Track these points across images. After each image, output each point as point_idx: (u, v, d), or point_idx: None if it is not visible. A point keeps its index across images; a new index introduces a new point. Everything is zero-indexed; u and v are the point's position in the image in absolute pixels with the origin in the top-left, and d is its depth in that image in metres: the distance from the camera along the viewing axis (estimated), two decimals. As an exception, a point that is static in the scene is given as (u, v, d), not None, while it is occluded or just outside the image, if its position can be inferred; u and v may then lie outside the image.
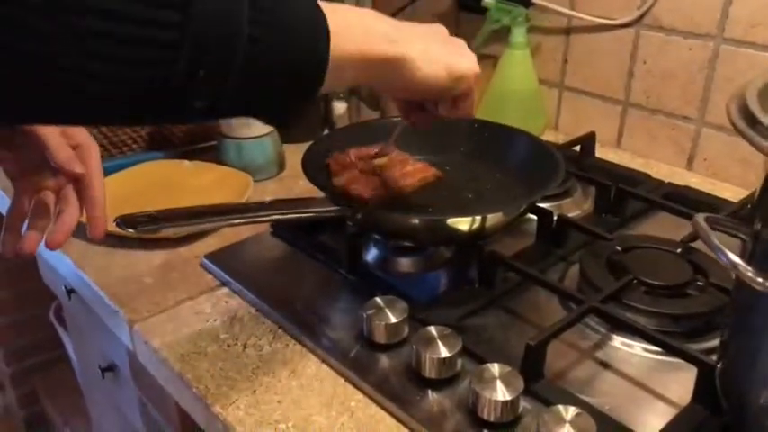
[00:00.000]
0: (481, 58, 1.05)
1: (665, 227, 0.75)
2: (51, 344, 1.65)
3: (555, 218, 0.71)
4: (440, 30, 0.56)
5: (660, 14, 0.88)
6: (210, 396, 0.54)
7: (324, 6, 0.43)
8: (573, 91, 1.02)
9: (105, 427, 1.18)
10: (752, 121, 0.35)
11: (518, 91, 1.01)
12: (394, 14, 1.18)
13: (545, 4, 0.99)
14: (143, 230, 0.51)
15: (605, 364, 0.57)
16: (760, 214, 0.37)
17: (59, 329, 1.52)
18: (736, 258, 0.35)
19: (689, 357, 0.51)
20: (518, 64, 0.99)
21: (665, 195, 0.80)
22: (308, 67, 0.41)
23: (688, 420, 0.49)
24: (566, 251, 0.70)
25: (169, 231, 0.53)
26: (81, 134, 0.58)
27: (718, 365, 0.46)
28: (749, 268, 0.34)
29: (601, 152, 0.96)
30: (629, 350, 0.58)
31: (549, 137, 1.03)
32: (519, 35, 0.97)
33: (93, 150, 0.58)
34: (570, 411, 0.46)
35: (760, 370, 0.40)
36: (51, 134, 0.55)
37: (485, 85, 1.03)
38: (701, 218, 0.37)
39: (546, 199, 0.78)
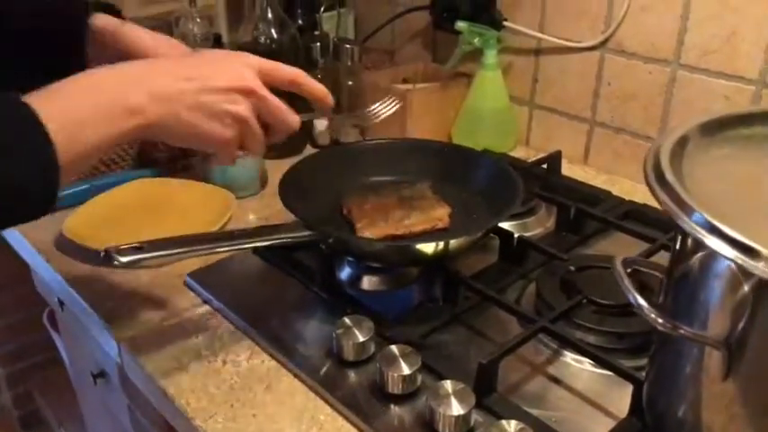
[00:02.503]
0: (456, 76, 1.10)
1: (622, 245, 0.79)
2: (46, 345, 1.69)
3: (516, 238, 0.76)
4: (208, 72, 0.56)
5: (623, 39, 0.93)
6: (191, 410, 0.59)
7: (46, 101, 0.46)
8: (543, 109, 1.07)
9: (99, 429, 1.23)
10: (661, 180, 0.40)
11: (490, 109, 1.05)
12: (374, 33, 1.22)
13: (516, 26, 1.03)
14: (129, 263, 0.55)
15: (556, 380, 0.62)
16: (672, 257, 0.42)
17: (52, 333, 1.57)
18: (642, 301, 0.40)
19: (623, 373, 0.56)
20: (490, 83, 1.04)
21: (625, 214, 0.85)
22: (35, 192, 0.46)
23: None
24: (525, 269, 0.75)
25: (154, 262, 0.57)
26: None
27: (645, 381, 0.51)
28: (653, 310, 0.39)
29: (569, 168, 1.01)
30: (579, 366, 0.63)
31: (520, 152, 1.08)
32: (491, 57, 1.02)
33: None
34: (513, 425, 0.51)
35: (677, 386, 0.45)
36: None
37: (459, 102, 1.08)
38: (618, 261, 0.42)
39: (512, 217, 0.83)
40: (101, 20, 0.66)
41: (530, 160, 0.99)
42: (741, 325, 0.38)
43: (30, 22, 0.64)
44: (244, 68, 0.58)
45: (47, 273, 0.80)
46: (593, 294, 0.67)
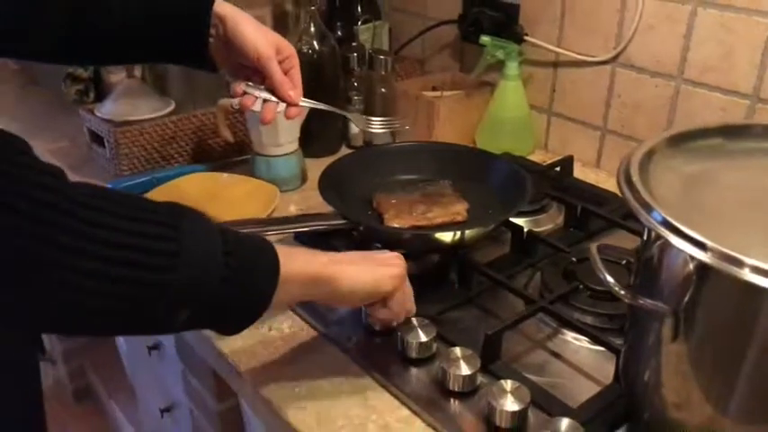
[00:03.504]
0: (480, 85, 1.20)
1: (622, 241, 0.89)
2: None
3: (525, 232, 0.86)
4: (374, 256, 0.68)
5: (632, 55, 1.02)
6: (242, 366, 0.70)
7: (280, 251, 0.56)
8: (559, 116, 1.16)
9: (148, 399, 1.36)
10: (629, 183, 0.50)
11: (511, 116, 1.15)
12: (406, 44, 1.33)
13: (536, 41, 1.13)
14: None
15: (555, 354, 0.72)
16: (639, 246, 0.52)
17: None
18: (609, 277, 0.49)
19: (608, 346, 0.66)
20: (511, 92, 1.14)
21: (628, 213, 0.94)
22: (261, 300, 0.56)
23: (605, 395, 0.63)
24: (533, 260, 0.85)
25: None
26: (288, 48, 0.77)
27: (621, 352, 0.61)
28: (616, 284, 0.49)
29: (582, 171, 1.10)
30: (576, 343, 0.73)
31: (538, 156, 1.17)
32: (512, 68, 1.12)
33: (295, 59, 0.77)
34: (510, 384, 0.61)
35: (643, 354, 0.55)
36: (271, 60, 0.74)
37: (483, 109, 1.18)
38: (593, 247, 0.52)
39: (525, 214, 0.93)
40: (220, 7, 0.74)
41: (545, 163, 1.08)
42: (686, 298, 0.48)
43: (164, 7, 0.75)
44: (397, 257, 0.68)
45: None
46: (589, 282, 0.76)
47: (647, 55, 1.00)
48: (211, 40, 0.75)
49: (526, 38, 1.14)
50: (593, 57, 1.07)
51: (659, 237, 0.48)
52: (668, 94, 0.99)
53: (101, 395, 1.86)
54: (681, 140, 0.56)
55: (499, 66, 1.14)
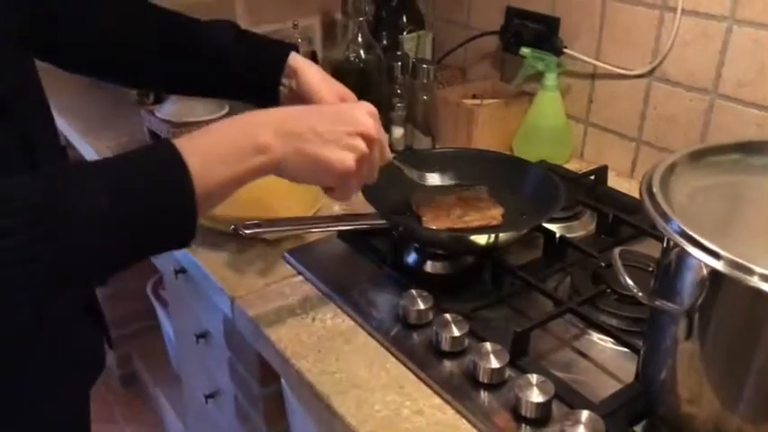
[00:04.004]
0: (520, 94, 1.24)
1: (651, 249, 0.92)
2: (145, 315, 1.93)
3: (557, 237, 0.90)
4: (332, 117, 0.65)
5: (667, 69, 1.05)
6: (288, 352, 0.76)
7: (188, 140, 0.55)
8: (596, 127, 1.20)
9: (193, 385, 1.43)
10: (651, 195, 0.54)
11: (549, 125, 1.19)
12: (449, 53, 1.38)
13: (574, 54, 1.17)
14: (251, 233, 0.73)
15: (581, 353, 0.76)
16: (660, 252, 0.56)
17: (155, 303, 1.80)
18: (629, 280, 0.54)
19: (630, 346, 0.70)
20: (550, 102, 1.18)
21: (658, 222, 0.97)
22: (177, 221, 0.55)
23: (625, 392, 0.67)
24: (564, 264, 0.89)
25: (269, 236, 0.75)
26: (350, 97, 0.81)
27: (640, 352, 0.65)
28: (635, 286, 0.53)
29: (616, 180, 1.13)
30: (602, 343, 0.77)
31: (574, 164, 1.21)
32: (551, 79, 1.16)
33: None
34: (536, 378, 0.66)
35: (659, 353, 0.59)
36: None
37: (521, 117, 1.22)
38: (616, 251, 0.56)
39: (559, 221, 0.98)
40: (294, 60, 0.82)
41: (580, 172, 1.12)
42: (699, 301, 0.52)
43: (246, 57, 0.83)
44: (367, 117, 0.67)
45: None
46: (616, 286, 0.80)
47: (683, 70, 1.03)
48: (283, 88, 0.83)
49: (565, 50, 1.18)
50: (629, 70, 1.11)
51: (676, 245, 0.52)
52: (702, 108, 1.02)
53: (147, 382, 1.95)
54: (701, 156, 0.60)
55: (538, 76, 1.18)
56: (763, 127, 0.96)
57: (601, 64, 1.14)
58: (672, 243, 0.53)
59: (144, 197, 0.53)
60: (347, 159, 0.64)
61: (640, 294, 0.54)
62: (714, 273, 0.50)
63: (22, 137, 0.67)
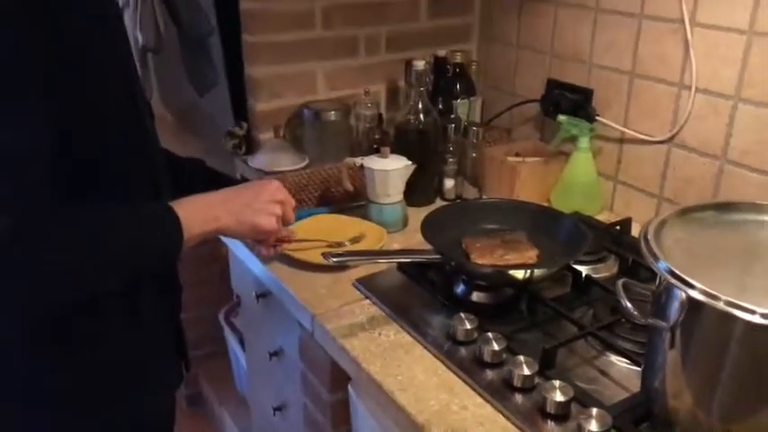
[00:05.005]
0: (557, 154, 1.43)
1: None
2: (213, 341, 2.13)
3: (584, 276, 1.07)
4: (256, 194, 0.95)
5: (684, 137, 1.23)
6: (360, 358, 0.95)
7: (179, 208, 0.82)
8: (624, 184, 1.37)
9: (261, 400, 1.62)
10: (646, 241, 0.72)
11: (582, 181, 1.37)
12: (496, 117, 1.58)
13: (605, 121, 1.36)
14: (337, 262, 0.94)
15: (601, 371, 0.93)
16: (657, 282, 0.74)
17: (225, 329, 2.00)
18: (628, 303, 0.71)
19: (639, 364, 0.86)
20: (583, 162, 1.36)
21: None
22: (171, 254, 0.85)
23: (632, 399, 0.84)
24: (589, 298, 1.06)
25: (350, 263, 0.95)
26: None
27: (642, 367, 0.82)
28: (632, 308, 0.71)
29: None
30: (619, 364, 0.94)
31: (604, 216, 1.38)
32: (584, 142, 1.34)
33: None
34: (558, 383, 0.83)
35: (654, 364, 0.76)
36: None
37: (558, 174, 1.40)
38: (620, 282, 0.74)
39: (587, 263, 1.15)
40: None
41: (608, 222, 1.30)
42: (680, 319, 0.69)
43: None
44: (278, 189, 0.97)
45: (264, 274, 1.20)
46: (632, 318, 0.97)
47: (697, 138, 1.21)
48: None
49: (597, 118, 1.37)
50: (652, 137, 1.29)
51: (663, 278, 0.70)
52: (713, 172, 1.19)
53: (212, 402, 2.14)
54: (687, 212, 0.78)
55: (574, 138, 1.37)
56: (763, 188, 1.13)
57: (628, 130, 1.33)
58: (661, 277, 0.71)
59: (149, 230, 0.82)
60: (271, 221, 0.96)
61: (635, 313, 0.72)
62: (690, 299, 0.67)
63: (155, 183, 0.90)
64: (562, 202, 1.37)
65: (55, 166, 0.73)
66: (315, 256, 1.11)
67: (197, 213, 0.87)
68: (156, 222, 0.83)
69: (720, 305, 0.65)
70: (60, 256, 0.73)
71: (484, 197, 1.42)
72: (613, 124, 1.35)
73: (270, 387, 1.52)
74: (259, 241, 1.05)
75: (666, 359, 0.72)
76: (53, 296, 0.75)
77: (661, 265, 0.70)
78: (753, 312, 0.64)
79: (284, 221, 0.99)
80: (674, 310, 0.70)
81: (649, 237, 0.73)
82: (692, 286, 0.67)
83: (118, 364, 0.89)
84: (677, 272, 0.68)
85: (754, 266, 0.71)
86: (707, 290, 0.66)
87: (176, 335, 1.02)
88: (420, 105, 1.36)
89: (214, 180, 1.15)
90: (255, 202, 0.94)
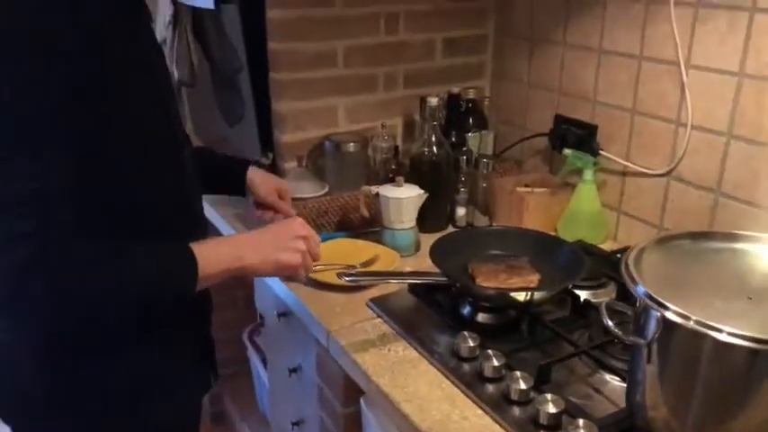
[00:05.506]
0: (564, 185, 1.50)
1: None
2: (239, 359, 2.22)
3: (582, 300, 1.15)
4: (279, 232, 1.01)
5: (681, 171, 1.31)
6: (370, 371, 1.03)
7: (200, 248, 0.88)
8: (626, 215, 1.45)
9: (281, 415, 1.70)
10: (626, 267, 0.80)
11: (587, 212, 1.45)
12: (507, 149, 1.67)
13: (608, 155, 1.44)
14: (349, 281, 1.03)
15: (594, 387, 1.00)
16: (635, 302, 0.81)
17: (249, 348, 2.09)
18: (610, 322, 0.79)
19: (621, 377, 0.93)
20: (587, 193, 1.44)
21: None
22: (184, 292, 0.89)
23: (618, 413, 0.90)
24: (587, 321, 1.13)
25: (362, 282, 1.04)
26: (284, 185, 1.25)
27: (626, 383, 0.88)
28: (615, 327, 0.79)
29: (642, 259, 1.37)
30: (612, 382, 1.00)
31: (608, 245, 1.45)
32: (588, 174, 1.42)
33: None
34: (550, 396, 0.90)
35: (635, 379, 0.83)
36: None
37: (564, 204, 1.48)
38: (604, 303, 0.82)
39: (587, 288, 1.22)
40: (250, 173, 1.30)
41: (610, 250, 1.37)
42: (656, 336, 0.76)
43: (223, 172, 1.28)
44: (301, 226, 1.03)
45: (284, 293, 1.30)
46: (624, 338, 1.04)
47: (693, 172, 1.28)
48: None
49: (601, 152, 1.45)
50: (652, 170, 1.36)
51: (641, 300, 0.77)
52: (709, 204, 1.26)
53: (234, 419, 2.22)
54: (664, 241, 0.85)
55: (579, 171, 1.45)
56: (755, 220, 1.19)
57: (629, 164, 1.40)
58: (640, 300, 0.79)
59: (163, 269, 0.87)
60: (295, 258, 1.00)
61: (617, 331, 0.79)
62: (664, 318, 0.75)
63: (192, 209, 1.00)
64: (568, 231, 1.45)
65: (91, 197, 0.80)
66: (331, 277, 1.20)
67: (219, 253, 0.92)
68: (172, 262, 0.87)
69: (691, 324, 0.72)
70: (74, 287, 0.78)
71: (493, 225, 1.50)
72: (616, 158, 1.43)
73: (289, 403, 1.60)
74: (289, 278, 1.12)
75: (646, 374, 0.79)
76: (60, 325, 0.82)
77: (639, 289, 0.78)
78: (720, 331, 0.71)
79: (312, 257, 1.03)
80: (651, 328, 0.77)
81: (629, 262, 0.81)
82: (665, 307, 0.74)
83: (149, 370, 0.98)
84: (653, 294, 0.76)
85: (725, 290, 0.78)
86: (679, 311, 0.73)
87: (206, 343, 1.11)
88: (433, 138, 1.46)
89: (227, 165, 1.30)
90: (279, 240, 0.99)
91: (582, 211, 1.45)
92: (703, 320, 0.72)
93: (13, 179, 0.74)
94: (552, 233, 1.44)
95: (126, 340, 0.94)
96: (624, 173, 1.43)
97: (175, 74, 1.74)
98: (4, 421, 0.98)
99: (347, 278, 1.06)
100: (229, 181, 1.31)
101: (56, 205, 0.76)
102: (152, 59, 0.93)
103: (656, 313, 0.76)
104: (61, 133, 0.76)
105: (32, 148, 0.75)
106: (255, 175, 1.31)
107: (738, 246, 0.84)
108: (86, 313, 0.81)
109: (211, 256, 0.90)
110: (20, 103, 0.74)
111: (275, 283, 1.33)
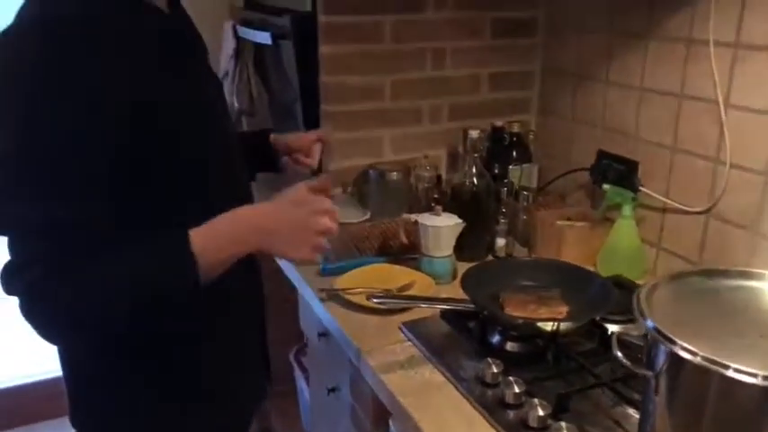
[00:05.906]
0: (603, 220, 1.52)
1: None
2: (286, 378, 2.29)
3: (609, 333, 1.16)
4: (294, 226, 0.95)
5: (721, 209, 1.31)
6: (397, 392, 1.07)
7: (203, 233, 0.86)
8: (666, 251, 1.45)
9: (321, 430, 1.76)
10: (638, 303, 0.82)
11: (626, 247, 1.46)
12: (550, 183, 1.69)
13: (648, 191, 1.45)
14: (379, 303, 1.08)
15: (615, 420, 1.01)
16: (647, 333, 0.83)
17: (295, 367, 2.16)
18: (619, 353, 0.81)
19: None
20: (626, 229, 1.45)
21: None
22: (183, 288, 0.85)
23: (634, 443, 0.92)
24: (612, 355, 1.14)
25: (392, 306, 1.09)
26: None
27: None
28: (624, 357, 0.81)
29: (680, 297, 1.37)
30: (635, 415, 1.01)
31: (646, 280, 1.45)
32: (627, 210, 1.43)
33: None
34: (565, 424, 0.92)
35: (646, 408, 0.84)
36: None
37: (604, 239, 1.49)
38: (615, 334, 0.84)
39: (620, 322, 1.23)
40: (272, 136, 1.28)
41: (647, 287, 1.37)
42: (664, 368, 0.78)
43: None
44: (314, 199, 0.99)
45: (322, 313, 1.36)
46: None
47: (732, 210, 1.28)
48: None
49: (641, 188, 1.46)
50: (692, 207, 1.36)
51: (650, 334, 0.79)
52: (747, 242, 1.26)
53: (279, 435, 2.29)
54: (677, 278, 0.87)
55: (618, 207, 1.46)
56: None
57: (669, 201, 1.41)
58: (650, 334, 0.81)
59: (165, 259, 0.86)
60: (304, 252, 0.96)
61: (625, 361, 0.81)
62: (672, 353, 0.77)
63: None
64: (606, 266, 1.46)
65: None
66: (365, 300, 1.25)
67: (220, 235, 0.89)
68: (167, 254, 0.85)
69: (698, 360, 0.74)
70: (82, 290, 0.80)
71: (532, 256, 1.52)
72: (656, 195, 1.44)
73: (328, 422, 1.66)
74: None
75: (655, 405, 0.81)
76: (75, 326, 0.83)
77: (648, 323, 0.80)
78: (727, 367, 0.73)
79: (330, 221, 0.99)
80: (659, 360, 0.79)
81: (641, 297, 0.83)
82: (673, 342, 0.76)
83: (208, 376, 1.05)
84: (662, 329, 0.78)
85: (737, 327, 0.79)
86: (686, 346, 0.75)
87: (262, 349, 1.18)
88: (474, 170, 1.50)
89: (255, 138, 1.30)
90: (293, 220, 0.96)
91: (620, 246, 1.46)
92: (710, 356, 0.73)
93: (43, 211, 0.78)
94: (590, 267, 1.46)
95: (186, 346, 1.00)
96: (664, 209, 1.44)
97: (236, 104, 1.85)
98: (72, 425, 1.07)
99: (376, 300, 1.11)
100: (258, 153, 1.26)
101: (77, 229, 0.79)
102: (210, 94, 1.02)
103: (663, 347, 0.78)
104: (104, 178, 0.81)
105: (82, 193, 0.80)
106: (281, 136, 1.29)
107: (752, 283, 0.85)
108: (99, 318, 0.83)
109: (210, 240, 0.88)
110: (74, 159, 0.78)
111: (316, 305, 1.39)
